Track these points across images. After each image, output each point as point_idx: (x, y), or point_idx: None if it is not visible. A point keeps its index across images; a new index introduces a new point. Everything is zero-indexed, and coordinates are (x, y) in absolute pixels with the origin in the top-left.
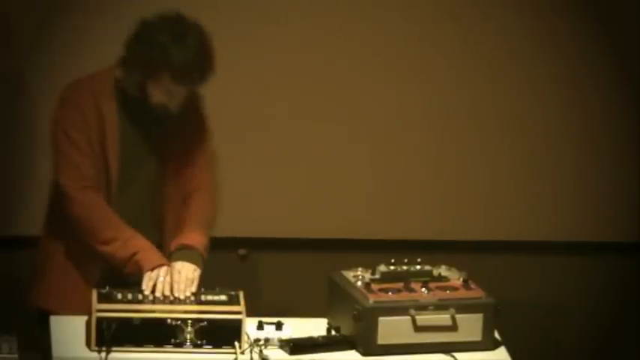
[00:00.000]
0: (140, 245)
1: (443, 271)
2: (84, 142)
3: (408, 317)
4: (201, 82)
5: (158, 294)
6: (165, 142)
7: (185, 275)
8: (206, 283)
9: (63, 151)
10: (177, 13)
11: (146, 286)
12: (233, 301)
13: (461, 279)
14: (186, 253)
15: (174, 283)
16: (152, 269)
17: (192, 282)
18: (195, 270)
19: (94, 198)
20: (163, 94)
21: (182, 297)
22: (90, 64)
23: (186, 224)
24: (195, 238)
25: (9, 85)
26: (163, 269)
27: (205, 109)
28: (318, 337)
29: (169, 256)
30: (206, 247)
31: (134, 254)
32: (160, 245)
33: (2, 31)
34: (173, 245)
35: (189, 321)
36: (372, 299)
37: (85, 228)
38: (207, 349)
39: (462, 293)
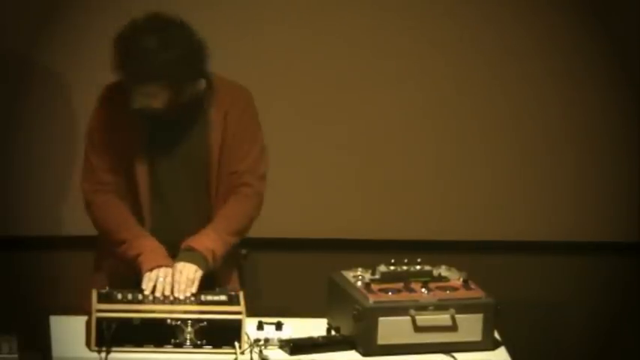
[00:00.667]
0: (145, 246)
1: (443, 271)
2: (105, 144)
3: (408, 317)
4: (166, 77)
5: (158, 294)
6: (208, 151)
7: (186, 275)
8: (206, 283)
9: (85, 153)
10: (154, 13)
11: (146, 287)
12: (233, 301)
13: (461, 279)
14: (189, 254)
15: (175, 283)
16: (151, 270)
17: (193, 282)
18: (196, 271)
19: (109, 200)
20: (142, 96)
21: (182, 297)
22: (90, 64)
23: (207, 227)
24: (205, 242)
25: (9, 84)
26: (162, 270)
27: (255, 109)
28: (318, 337)
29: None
30: (215, 253)
31: (138, 255)
32: None
33: (2, 31)
34: (182, 246)
35: (189, 321)
36: (372, 299)
37: (101, 230)
38: (207, 349)
39: (462, 293)
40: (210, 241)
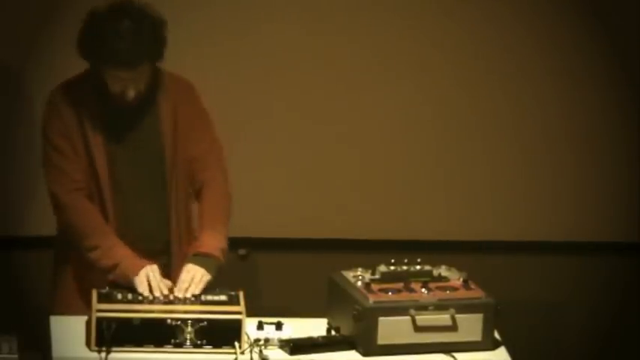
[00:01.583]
0: (121, 255)
1: (443, 271)
2: (67, 147)
3: (408, 317)
4: (142, 61)
5: (157, 293)
6: (162, 139)
7: (192, 276)
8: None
9: (49, 157)
10: (105, 3)
11: (143, 289)
12: (233, 301)
13: (461, 279)
14: (200, 259)
15: (180, 282)
16: (137, 273)
17: (198, 285)
18: (204, 275)
19: (83, 203)
20: (115, 82)
21: (181, 295)
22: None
23: (201, 225)
24: (211, 243)
25: (9, 84)
26: (148, 267)
27: (202, 101)
28: (318, 337)
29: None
30: (223, 248)
31: (116, 265)
32: (168, 246)
33: (2, 31)
34: (190, 251)
35: (189, 321)
36: (372, 299)
37: (73, 234)
38: (207, 349)
39: (462, 293)
40: (216, 240)
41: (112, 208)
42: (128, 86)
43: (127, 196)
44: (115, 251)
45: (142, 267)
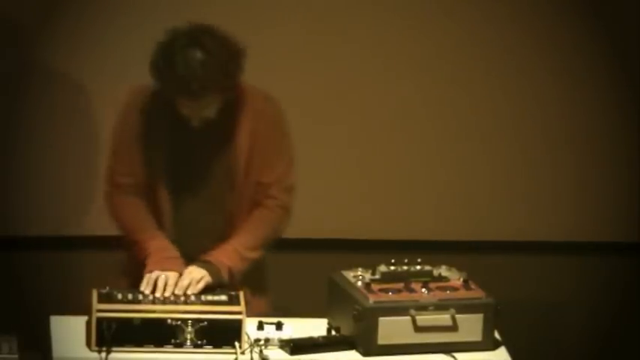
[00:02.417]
0: (151, 247)
1: (443, 271)
2: (128, 151)
3: (408, 317)
4: (206, 93)
5: (158, 294)
6: (233, 159)
7: (192, 275)
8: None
9: (108, 156)
10: (190, 25)
11: (144, 288)
12: (233, 301)
13: (461, 279)
14: (202, 264)
15: (180, 280)
16: (151, 271)
17: (197, 284)
18: (204, 276)
19: (124, 201)
20: (182, 107)
21: (180, 292)
22: (90, 63)
23: (227, 242)
24: (220, 257)
25: (10, 84)
26: (164, 272)
27: (283, 120)
28: (318, 337)
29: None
30: (231, 268)
31: (146, 257)
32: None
33: (3, 31)
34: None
35: (189, 321)
36: (372, 299)
37: (121, 229)
38: (208, 349)
39: (462, 293)
40: (226, 256)
41: (170, 224)
42: (192, 114)
43: (188, 214)
44: (149, 244)
45: (161, 269)
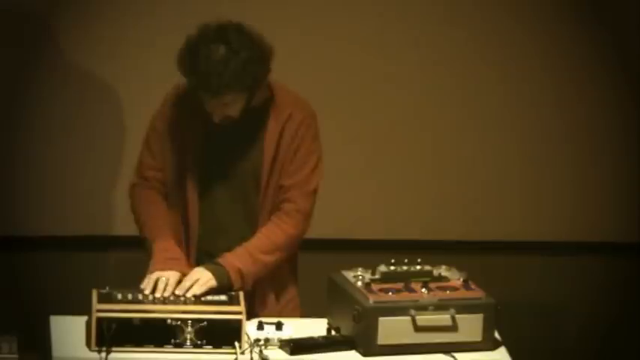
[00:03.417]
0: (157, 246)
1: (443, 271)
2: (158, 146)
3: (408, 317)
4: (227, 90)
5: (158, 294)
6: (259, 161)
7: (196, 277)
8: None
9: (142, 147)
10: (220, 22)
11: (144, 285)
12: (233, 301)
13: (461, 279)
14: (211, 266)
15: (184, 280)
16: (152, 272)
17: (201, 287)
18: (210, 279)
19: (146, 195)
20: (218, 107)
21: (181, 293)
22: (89, 62)
23: (242, 246)
24: (231, 260)
25: (11, 84)
26: (167, 272)
27: (316, 130)
28: (318, 337)
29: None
30: (242, 271)
31: (150, 256)
32: None
33: (6, 30)
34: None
35: (189, 321)
36: (372, 299)
37: (136, 222)
38: (207, 349)
39: (462, 293)
40: (238, 259)
41: (196, 222)
42: (214, 111)
43: (215, 214)
44: (156, 244)
45: (163, 269)
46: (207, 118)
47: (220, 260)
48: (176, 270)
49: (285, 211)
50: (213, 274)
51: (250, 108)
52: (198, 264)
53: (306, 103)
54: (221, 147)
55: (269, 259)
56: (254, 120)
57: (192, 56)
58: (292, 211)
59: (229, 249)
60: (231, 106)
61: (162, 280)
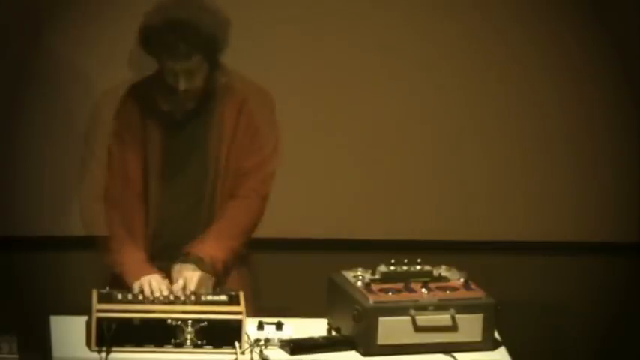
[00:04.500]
0: (128, 257)
1: (443, 271)
2: (118, 163)
3: (408, 317)
4: (193, 53)
5: (157, 294)
6: (213, 146)
7: (184, 274)
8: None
9: (106, 173)
10: None
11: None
12: (233, 301)
13: (461, 279)
14: (186, 258)
15: (175, 285)
16: (138, 279)
17: (191, 280)
18: (194, 269)
19: (115, 212)
20: (170, 74)
21: (180, 294)
22: (89, 62)
23: (207, 232)
24: (203, 248)
25: (10, 84)
26: (149, 276)
27: (273, 113)
28: (319, 337)
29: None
30: (214, 256)
31: (121, 265)
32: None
33: (5, 30)
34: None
35: (190, 321)
36: (372, 299)
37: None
38: (207, 349)
39: (462, 293)
40: (208, 246)
41: (154, 207)
42: (180, 78)
43: (171, 197)
44: (120, 257)
45: (143, 274)
46: (162, 113)
47: (191, 250)
48: (154, 272)
49: (245, 196)
50: (194, 264)
51: (207, 93)
52: (164, 255)
53: (261, 88)
54: (180, 136)
55: (236, 243)
56: (210, 106)
57: (153, 26)
58: (252, 195)
59: (194, 237)
60: (196, 74)
61: (153, 283)
